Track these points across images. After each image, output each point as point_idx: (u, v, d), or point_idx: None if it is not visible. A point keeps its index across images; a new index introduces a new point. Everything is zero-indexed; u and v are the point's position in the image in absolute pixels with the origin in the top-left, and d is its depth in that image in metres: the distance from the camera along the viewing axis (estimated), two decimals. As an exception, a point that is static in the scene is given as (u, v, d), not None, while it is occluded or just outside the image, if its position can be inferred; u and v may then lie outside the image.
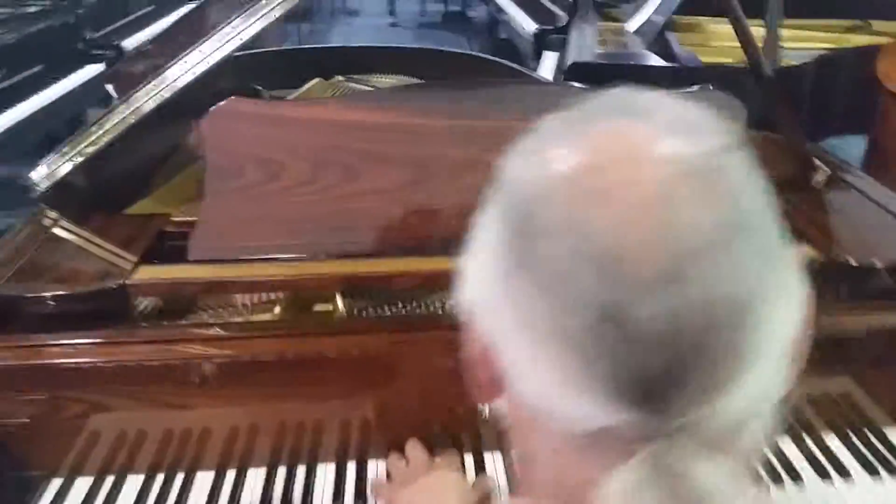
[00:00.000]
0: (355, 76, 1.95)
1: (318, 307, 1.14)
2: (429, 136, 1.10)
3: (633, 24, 2.76)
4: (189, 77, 1.13)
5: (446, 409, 1.06)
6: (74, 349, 0.99)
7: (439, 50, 2.19)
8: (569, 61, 2.42)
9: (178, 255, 1.09)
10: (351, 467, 1.06)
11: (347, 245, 1.08)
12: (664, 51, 2.33)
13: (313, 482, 1.03)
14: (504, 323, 0.41)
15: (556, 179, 0.39)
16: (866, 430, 1.09)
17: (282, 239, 1.08)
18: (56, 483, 1.02)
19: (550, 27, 3.44)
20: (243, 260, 1.07)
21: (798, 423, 1.09)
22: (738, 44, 2.74)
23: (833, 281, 1.08)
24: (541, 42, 3.46)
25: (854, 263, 1.08)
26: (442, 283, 1.11)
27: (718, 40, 2.79)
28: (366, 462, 1.06)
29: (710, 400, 0.36)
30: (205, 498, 1.00)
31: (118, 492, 1.01)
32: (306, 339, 1.03)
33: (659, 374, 0.36)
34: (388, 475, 1.02)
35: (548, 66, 3.13)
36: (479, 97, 1.11)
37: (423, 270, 1.06)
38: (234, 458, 1.05)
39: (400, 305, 1.13)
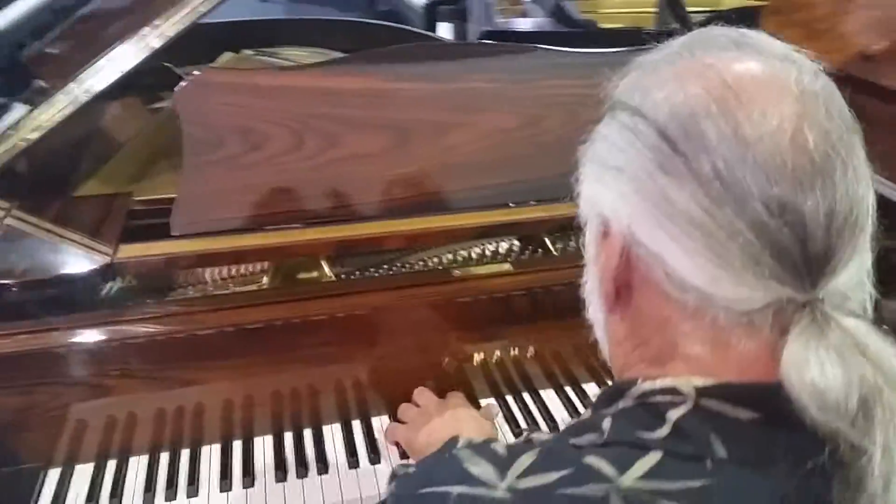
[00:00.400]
0: (265, 50, 1.92)
1: (302, 275, 1.15)
2: (405, 100, 1.12)
3: (529, -7, 2.85)
4: (138, 57, 1.10)
5: (439, 361, 1.11)
6: (58, 334, 0.96)
7: (352, 21, 2.18)
8: (476, 31, 2.48)
9: (157, 233, 1.07)
10: (357, 426, 1.08)
11: (334, 211, 1.10)
12: (564, 17, 2.43)
13: (323, 443, 1.05)
14: (663, 230, 0.47)
15: (705, 103, 0.46)
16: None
17: (266, 209, 1.08)
18: (55, 473, 0.99)
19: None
20: (228, 232, 1.06)
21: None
22: (626, 10, 2.85)
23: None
24: (433, 14, 3.51)
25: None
26: (428, 241, 1.15)
27: (607, 7, 2.95)
28: (370, 420, 1.09)
29: (844, 269, 0.45)
30: (217, 470, 1.00)
31: (123, 475, 0.99)
32: (303, 305, 1.04)
33: (817, 253, 0.44)
34: (400, 421, 1.05)
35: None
36: (449, 61, 1.15)
37: (410, 231, 1.10)
38: (238, 429, 1.06)
39: (385, 267, 1.16)
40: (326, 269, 1.14)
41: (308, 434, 1.07)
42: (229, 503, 0.96)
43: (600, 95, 0.57)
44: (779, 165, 0.44)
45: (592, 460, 0.47)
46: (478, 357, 1.12)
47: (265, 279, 1.13)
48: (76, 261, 0.99)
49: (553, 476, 0.47)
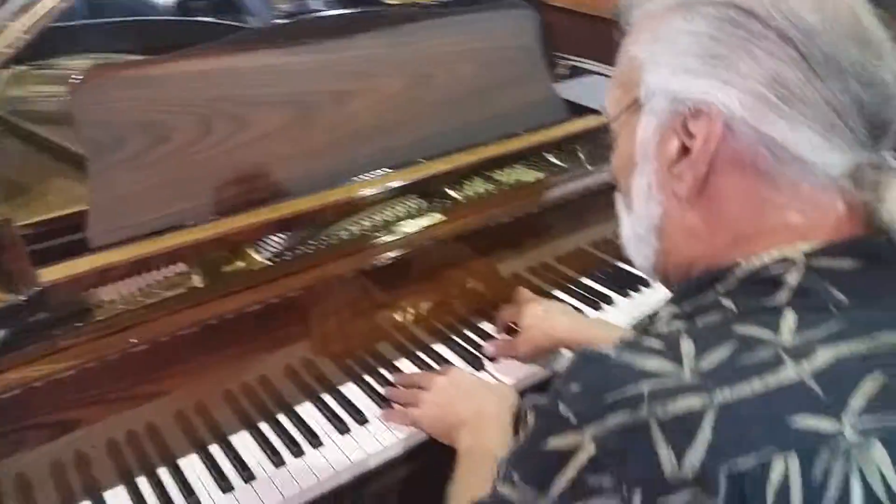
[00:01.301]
0: (41, 62, 1.75)
1: (232, 267, 1.11)
2: (299, 73, 1.13)
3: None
4: None
5: (392, 319, 1.14)
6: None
7: (135, 20, 2.03)
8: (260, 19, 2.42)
9: (69, 252, 0.98)
10: (329, 399, 1.09)
11: (254, 194, 1.08)
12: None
13: (305, 423, 1.04)
14: (775, 110, 0.54)
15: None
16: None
17: (185, 203, 1.03)
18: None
19: (195, -6, 3.34)
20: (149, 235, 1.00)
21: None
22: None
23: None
24: (186, 11, 3.35)
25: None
26: (351, 208, 1.17)
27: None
28: (338, 388, 1.10)
29: None
30: (208, 475, 0.96)
31: (107, 510, 0.91)
32: (248, 294, 1.02)
33: (888, 118, 0.56)
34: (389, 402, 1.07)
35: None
36: (335, 31, 1.16)
37: (340, 199, 1.12)
38: (210, 432, 1.01)
39: (311, 243, 1.15)
40: (254, 255, 1.11)
41: (284, 419, 1.05)
42: (240, 501, 0.92)
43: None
44: (865, 45, 0.55)
45: (745, 329, 0.53)
46: (424, 305, 1.17)
47: (194, 277, 1.07)
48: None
49: (724, 352, 0.51)
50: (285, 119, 1.11)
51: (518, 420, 0.95)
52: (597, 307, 1.29)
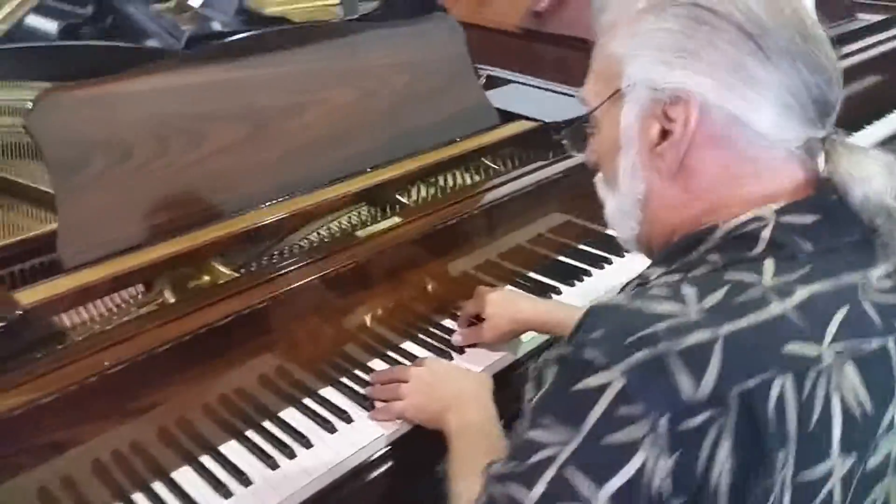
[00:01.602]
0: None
1: (199, 282, 1.12)
2: (251, 88, 1.16)
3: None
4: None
5: (359, 323, 1.18)
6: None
7: (49, 46, 1.97)
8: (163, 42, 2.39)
9: (42, 273, 0.96)
10: (309, 402, 1.11)
11: (218, 207, 1.10)
12: (256, 17, 2.48)
13: (293, 427, 1.06)
14: (742, 95, 0.64)
15: None
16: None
17: (151, 219, 1.04)
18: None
19: (80, 21, 3.23)
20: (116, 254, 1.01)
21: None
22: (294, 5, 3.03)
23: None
24: (78, 38, 3.24)
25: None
26: (314, 215, 1.20)
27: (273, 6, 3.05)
28: (317, 392, 1.13)
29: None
30: (204, 484, 0.96)
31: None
32: (224, 305, 1.03)
33: (833, 99, 0.66)
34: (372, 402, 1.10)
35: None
36: (283, 45, 1.20)
37: (302, 208, 1.15)
38: (198, 445, 1.01)
39: (277, 253, 1.18)
40: (221, 268, 1.12)
41: (270, 426, 1.06)
42: (241, 505, 0.94)
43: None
44: (808, 37, 0.65)
45: (734, 275, 0.62)
46: (389, 307, 1.21)
47: (165, 293, 1.07)
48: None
49: (720, 294, 0.60)
50: (240, 132, 1.13)
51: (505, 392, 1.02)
52: (546, 297, 1.38)
